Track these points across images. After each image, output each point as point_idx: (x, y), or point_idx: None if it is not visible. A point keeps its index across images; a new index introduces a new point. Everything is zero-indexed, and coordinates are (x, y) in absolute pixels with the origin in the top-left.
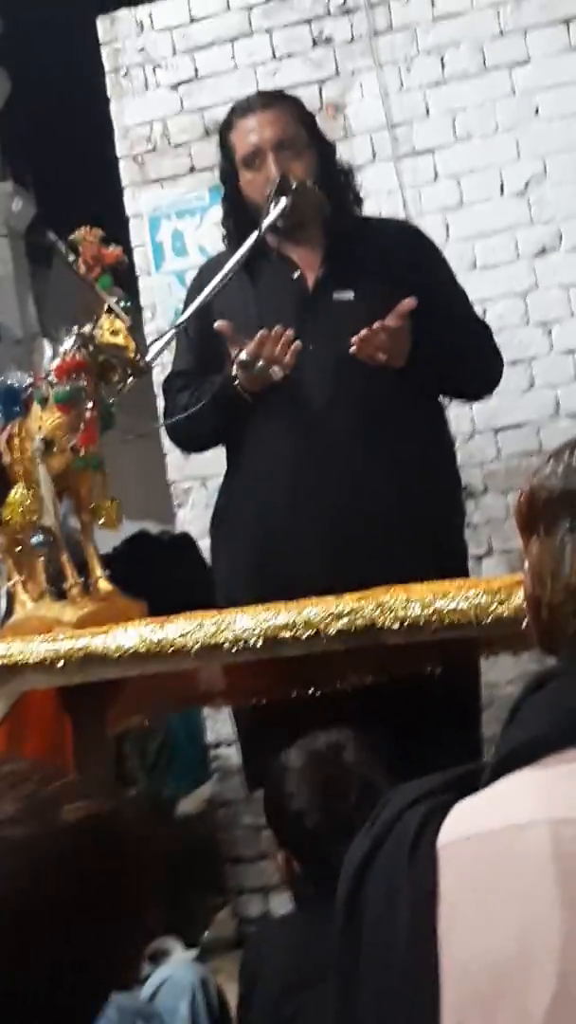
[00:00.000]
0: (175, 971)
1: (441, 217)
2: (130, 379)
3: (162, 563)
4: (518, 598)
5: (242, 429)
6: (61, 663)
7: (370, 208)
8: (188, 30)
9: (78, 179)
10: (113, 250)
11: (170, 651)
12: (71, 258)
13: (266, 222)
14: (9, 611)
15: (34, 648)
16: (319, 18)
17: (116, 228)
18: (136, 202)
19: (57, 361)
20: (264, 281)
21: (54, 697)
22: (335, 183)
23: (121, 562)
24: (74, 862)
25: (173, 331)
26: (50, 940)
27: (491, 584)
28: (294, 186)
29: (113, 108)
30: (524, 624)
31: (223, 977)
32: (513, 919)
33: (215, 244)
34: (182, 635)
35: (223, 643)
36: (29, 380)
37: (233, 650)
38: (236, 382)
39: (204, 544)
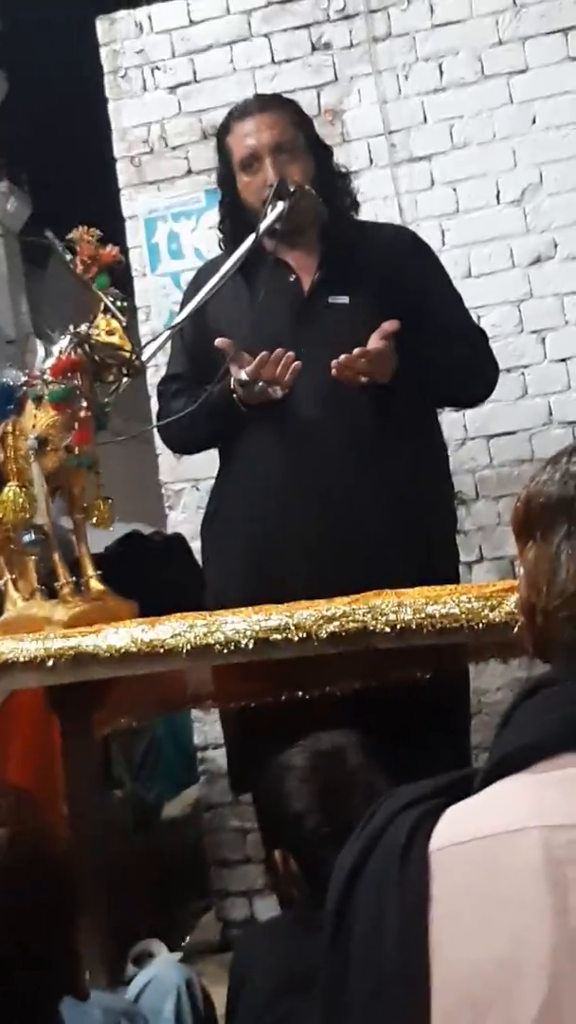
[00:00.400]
0: (160, 972)
1: (437, 224)
2: (125, 379)
3: (154, 564)
4: (509, 604)
5: (236, 433)
6: (51, 662)
7: (366, 214)
8: (187, 33)
9: (74, 180)
10: (110, 250)
11: (160, 652)
12: (68, 257)
13: (263, 225)
14: (0, 609)
15: (24, 647)
16: (318, 24)
17: (112, 229)
18: (132, 203)
19: (52, 360)
20: (260, 285)
21: (42, 696)
22: (332, 187)
23: (113, 562)
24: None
25: (169, 332)
26: None
27: (483, 590)
28: (292, 190)
29: (111, 109)
30: (516, 629)
31: (206, 980)
32: (504, 925)
33: (211, 246)
34: (173, 636)
35: (214, 644)
36: (24, 378)
37: (224, 652)
38: (234, 395)
39: (196, 546)
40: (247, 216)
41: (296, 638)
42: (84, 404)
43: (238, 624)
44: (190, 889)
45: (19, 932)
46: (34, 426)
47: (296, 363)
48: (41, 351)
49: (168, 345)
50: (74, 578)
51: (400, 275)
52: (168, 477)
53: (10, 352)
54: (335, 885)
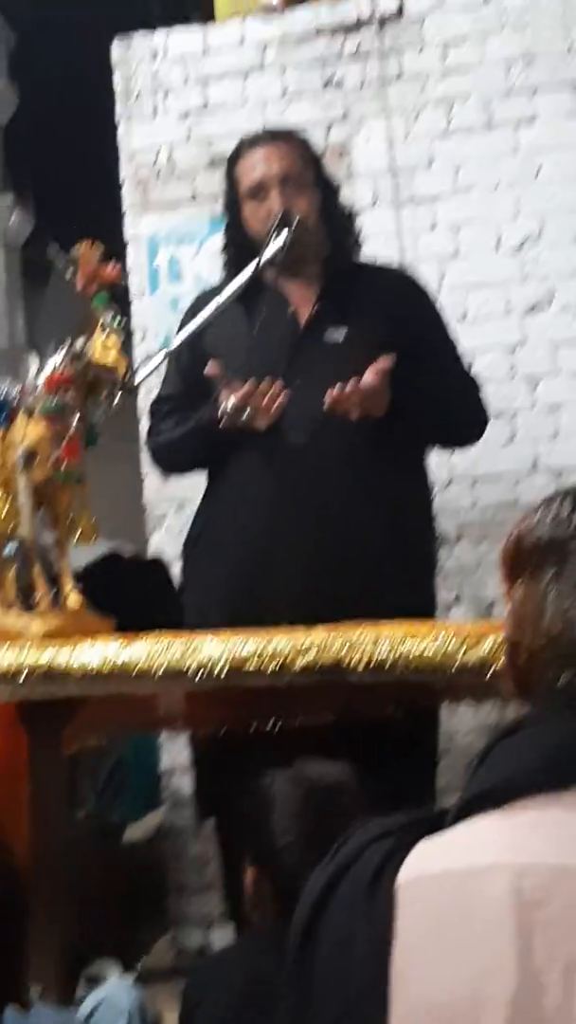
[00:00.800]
0: (111, 993)
1: (436, 266)
2: (118, 397)
3: (134, 583)
4: (486, 646)
5: (224, 458)
6: (23, 675)
7: (367, 251)
8: (201, 61)
9: (79, 198)
10: (112, 268)
11: (134, 672)
12: (70, 272)
13: (265, 254)
14: None
15: None
16: (332, 61)
17: (114, 250)
18: (136, 225)
19: (45, 374)
20: (258, 314)
21: (12, 709)
22: (336, 224)
23: (93, 579)
24: None
25: (164, 354)
26: None
27: (460, 629)
28: (295, 222)
29: (120, 131)
30: (498, 667)
31: (158, 1005)
32: (468, 964)
33: (211, 272)
34: (148, 656)
35: (187, 668)
36: (16, 390)
37: (197, 676)
38: (222, 421)
39: (176, 568)
40: (250, 245)
41: (270, 667)
42: (75, 420)
43: (213, 649)
44: (148, 913)
45: None
46: (24, 438)
47: (284, 395)
48: (35, 365)
49: (163, 367)
50: (52, 592)
51: (398, 317)
52: (153, 498)
53: (4, 364)
54: (301, 911)
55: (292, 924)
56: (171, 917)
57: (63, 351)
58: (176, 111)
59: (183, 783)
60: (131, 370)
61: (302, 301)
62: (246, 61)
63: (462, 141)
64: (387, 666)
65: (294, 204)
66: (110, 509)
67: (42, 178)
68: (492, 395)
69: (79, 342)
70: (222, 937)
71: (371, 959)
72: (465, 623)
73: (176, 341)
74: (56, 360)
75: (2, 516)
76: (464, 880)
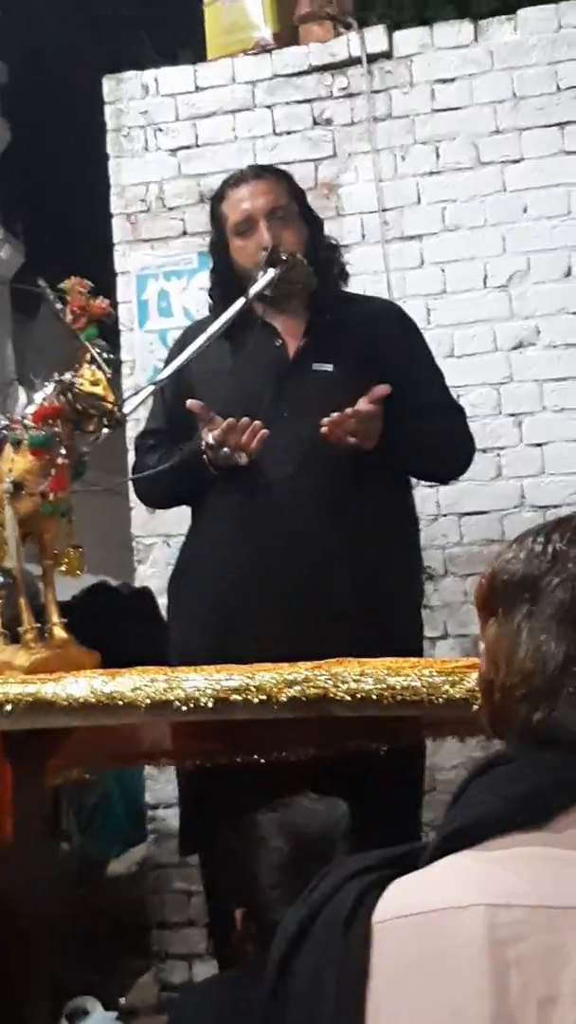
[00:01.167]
0: None
1: (423, 303)
2: (105, 430)
3: (120, 615)
4: (470, 681)
5: (209, 492)
6: (8, 707)
7: (356, 288)
8: (192, 98)
9: (69, 232)
10: (101, 302)
11: (119, 704)
12: (59, 306)
13: (253, 290)
14: None
15: None
16: (321, 99)
17: (103, 283)
18: (125, 260)
19: (34, 406)
20: (246, 346)
21: None
22: (323, 257)
23: (79, 611)
24: None
25: (152, 387)
26: None
27: (445, 665)
28: (284, 258)
29: (111, 166)
30: (475, 707)
31: None
32: (442, 1002)
33: (200, 307)
34: (133, 689)
35: (173, 701)
36: (4, 422)
37: (183, 709)
38: (204, 456)
39: (162, 601)
40: (238, 283)
41: (256, 700)
42: (63, 452)
43: (199, 682)
44: (130, 948)
45: None
46: (11, 470)
47: (263, 431)
48: (23, 396)
49: (150, 400)
50: (38, 624)
51: (384, 348)
52: (140, 531)
53: None
54: (277, 948)
55: (269, 959)
56: (154, 952)
57: (51, 383)
58: (166, 147)
59: (168, 817)
60: (119, 403)
61: (290, 334)
62: (236, 99)
63: (449, 180)
64: (373, 699)
65: (282, 237)
66: (97, 541)
67: (33, 212)
68: (479, 431)
69: (68, 375)
70: (205, 973)
71: (346, 997)
72: (451, 658)
73: (164, 374)
74: (44, 392)
75: None
76: (439, 918)
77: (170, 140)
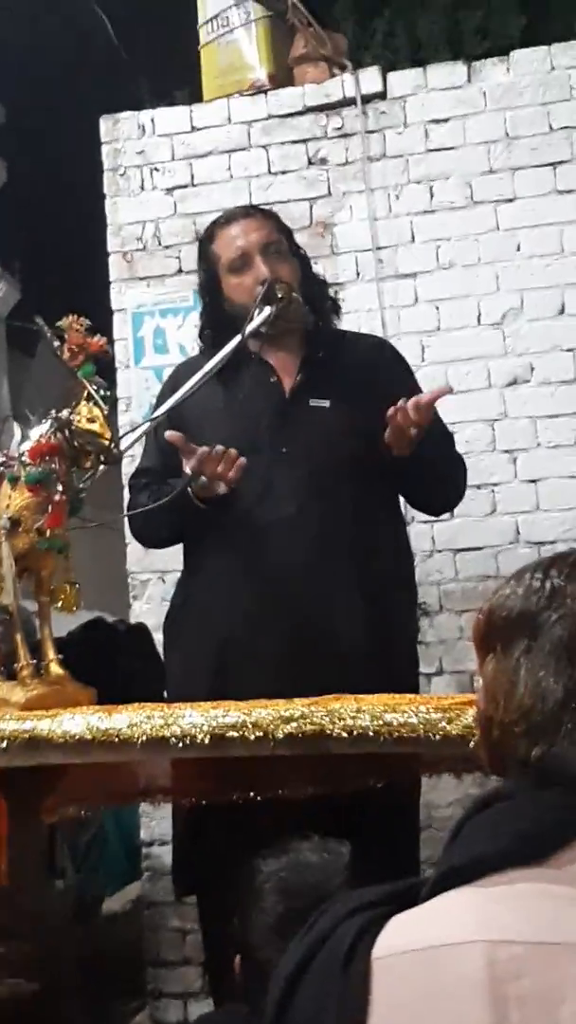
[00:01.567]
0: None
1: (418, 340)
2: (102, 467)
3: (116, 652)
4: (467, 718)
5: (204, 530)
6: (4, 744)
7: (351, 325)
8: (188, 138)
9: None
10: (98, 340)
11: (116, 741)
12: (56, 344)
13: (250, 327)
14: None
15: None
16: (316, 139)
17: (100, 321)
18: (122, 297)
19: (31, 443)
20: (241, 383)
21: None
22: (315, 292)
23: (75, 647)
24: None
25: (147, 425)
26: None
27: (442, 701)
28: (280, 295)
29: (108, 205)
30: (472, 744)
31: None
32: None
33: (196, 343)
34: (129, 726)
35: (170, 737)
36: (2, 459)
37: (179, 745)
38: (190, 489)
39: (158, 637)
40: (231, 322)
41: (253, 737)
42: (60, 488)
43: (195, 718)
44: (125, 987)
45: None
46: (8, 506)
47: (241, 460)
48: (19, 433)
49: (144, 439)
50: (34, 661)
51: (378, 384)
52: (135, 567)
53: None
54: (275, 987)
55: (268, 997)
56: (149, 991)
57: (48, 420)
58: (162, 186)
59: (163, 855)
60: (115, 440)
61: (285, 370)
62: (232, 139)
63: (443, 218)
64: (370, 736)
65: (278, 270)
66: (93, 578)
67: (30, 250)
68: (473, 467)
69: (64, 412)
70: (201, 1011)
71: None
72: (446, 696)
73: (160, 411)
74: (41, 429)
75: None
76: (438, 956)
77: (166, 179)
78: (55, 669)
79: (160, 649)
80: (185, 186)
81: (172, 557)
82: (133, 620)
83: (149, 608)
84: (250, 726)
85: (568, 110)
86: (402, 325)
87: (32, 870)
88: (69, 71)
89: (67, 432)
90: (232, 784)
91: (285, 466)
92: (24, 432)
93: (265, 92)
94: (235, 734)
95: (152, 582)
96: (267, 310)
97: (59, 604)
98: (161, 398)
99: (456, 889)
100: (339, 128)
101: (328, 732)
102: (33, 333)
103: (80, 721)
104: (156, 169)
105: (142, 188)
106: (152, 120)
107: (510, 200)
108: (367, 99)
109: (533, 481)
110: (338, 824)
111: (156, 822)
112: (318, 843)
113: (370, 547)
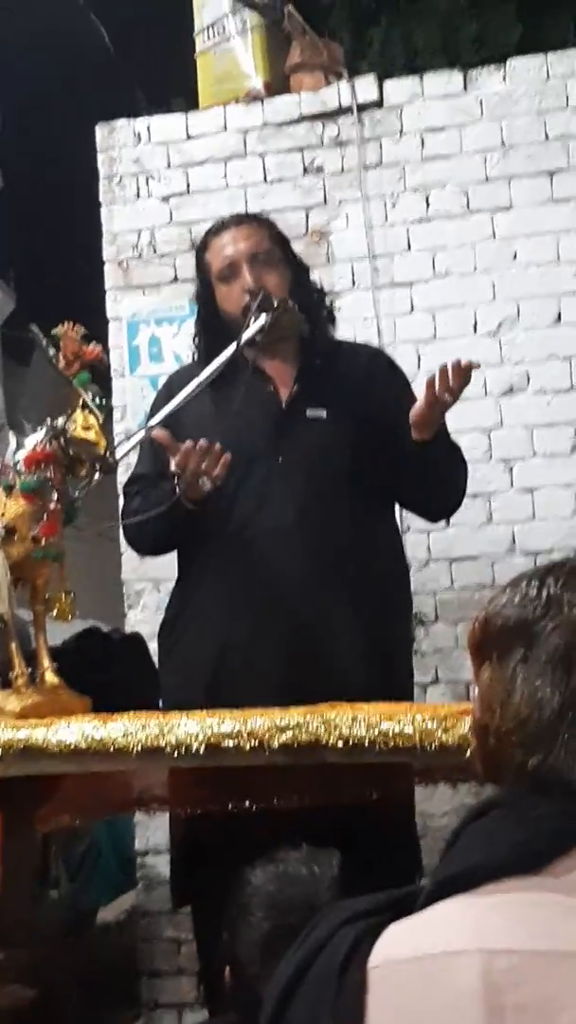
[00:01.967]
0: None
1: (414, 348)
2: (97, 475)
3: (111, 661)
4: (463, 727)
5: (200, 539)
6: None
7: (346, 334)
8: (184, 146)
9: (61, 278)
10: (93, 348)
11: (111, 750)
12: (51, 352)
13: (245, 336)
14: None
15: None
16: (312, 147)
17: (95, 329)
18: (117, 305)
19: (26, 451)
20: (236, 392)
21: None
22: (309, 301)
23: (70, 656)
24: None
25: (142, 433)
26: None
27: (438, 710)
28: (275, 304)
29: (103, 213)
30: (468, 753)
31: None
32: None
33: (191, 353)
34: (125, 735)
35: (165, 746)
36: None
37: (175, 754)
38: (178, 490)
39: (153, 647)
40: (224, 330)
41: (248, 746)
42: (55, 497)
43: (191, 727)
44: (120, 997)
45: None
46: (3, 515)
47: (226, 455)
48: (14, 442)
49: (138, 447)
50: (29, 670)
51: (374, 393)
52: (130, 576)
53: None
54: (271, 997)
55: (263, 1007)
56: (144, 1001)
57: (43, 429)
58: (158, 194)
59: (158, 864)
60: (111, 448)
61: (281, 379)
62: (228, 147)
63: (439, 227)
64: (365, 745)
65: (264, 280)
66: (88, 586)
67: (24, 258)
68: (469, 477)
69: (59, 420)
70: (195, 1022)
71: None
72: (442, 705)
73: (155, 419)
74: (36, 437)
75: None
76: (434, 964)
77: (162, 187)
78: (50, 678)
79: (155, 657)
80: (181, 194)
81: (167, 566)
82: (128, 629)
83: (144, 617)
84: (245, 735)
85: (564, 118)
86: (398, 333)
87: (26, 880)
88: (65, 79)
89: (62, 440)
90: (227, 794)
91: (281, 476)
92: (19, 440)
93: (261, 100)
94: (231, 743)
95: (147, 591)
96: (263, 318)
97: (54, 613)
98: (156, 407)
99: (452, 898)
100: (335, 136)
101: (324, 741)
102: (28, 342)
103: (75, 730)
104: (152, 177)
105: (138, 196)
106: (148, 128)
107: (506, 208)
108: (363, 107)
109: (529, 490)
110: (335, 835)
111: (151, 831)
112: (307, 854)
113: (366, 557)
